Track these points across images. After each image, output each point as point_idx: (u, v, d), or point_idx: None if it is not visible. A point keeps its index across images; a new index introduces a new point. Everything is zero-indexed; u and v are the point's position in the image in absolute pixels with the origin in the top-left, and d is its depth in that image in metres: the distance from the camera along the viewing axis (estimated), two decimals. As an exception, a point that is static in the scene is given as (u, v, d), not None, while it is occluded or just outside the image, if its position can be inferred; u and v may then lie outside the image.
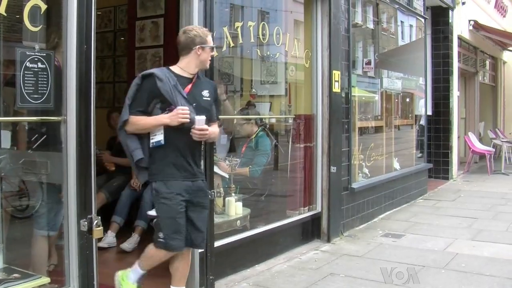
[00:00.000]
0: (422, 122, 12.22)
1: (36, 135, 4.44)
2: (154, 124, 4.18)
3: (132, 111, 4.18)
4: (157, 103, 4.20)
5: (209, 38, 4.40)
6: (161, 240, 4.19)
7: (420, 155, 11.82)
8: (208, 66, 4.49)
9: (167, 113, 4.16)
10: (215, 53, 4.57)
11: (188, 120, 4.14)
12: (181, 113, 4.11)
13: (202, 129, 4.21)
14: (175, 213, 4.19)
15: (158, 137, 4.19)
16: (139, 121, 4.18)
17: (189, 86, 4.31)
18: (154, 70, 4.25)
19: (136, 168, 4.35)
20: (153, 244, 4.28)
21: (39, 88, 3.69)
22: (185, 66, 4.36)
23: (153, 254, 4.32)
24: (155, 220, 4.27)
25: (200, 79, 4.45)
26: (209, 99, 4.44)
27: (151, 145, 4.23)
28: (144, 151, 4.26)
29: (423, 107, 12.12)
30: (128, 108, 4.20)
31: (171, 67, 4.39)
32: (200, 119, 4.21)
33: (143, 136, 4.27)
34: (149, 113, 4.22)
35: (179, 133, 4.18)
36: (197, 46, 4.30)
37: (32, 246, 4.38)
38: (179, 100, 4.19)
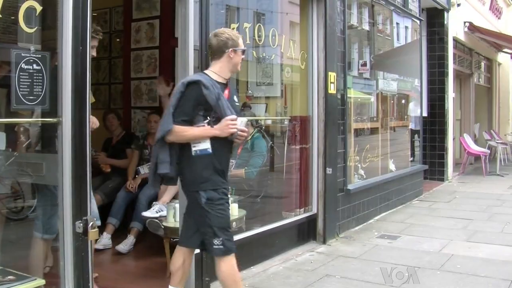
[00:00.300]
0: (412, 125, 12.07)
1: (31, 136, 4.44)
2: (203, 136, 4.11)
3: (176, 120, 4.06)
4: (200, 111, 4.11)
5: (241, 41, 4.33)
6: (218, 247, 4.14)
7: (411, 158, 11.79)
8: (239, 69, 4.42)
9: (211, 120, 4.11)
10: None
11: (236, 130, 4.13)
12: (231, 124, 4.10)
13: (244, 130, 4.22)
14: (228, 218, 4.23)
15: (204, 145, 4.11)
16: (185, 132, 4.09)
17: (226, 92, 4.25)
18: (199, 77, 4.14)
19: (153, 177, 4.25)
20: (217, 260, 4.21)
21: (35, 90, 3.68)
22: (219, 71, 4.27)
23: (230, 273, 4.23)
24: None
25: (229, 84, 4.40)
26: (238, 104, 4.44)
27: (193, 153, 4.12)
28: (172, 165, 4.16)
29: (414, 109, 12.06)
30: (171, 117, 4.08)
31: (206, 72, 4.29)
32: (243, 121, 4.22)
33: (173, 148, 4.16)
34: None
35: (224, 141, 4.17)
36: (230, 49, 4.23)
37: (31, 248, 4.37)
38: (225, 109, 4.13)
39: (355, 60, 9.44)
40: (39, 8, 3.69)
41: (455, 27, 13.89)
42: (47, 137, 4.34)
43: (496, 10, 18.43)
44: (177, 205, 5.44)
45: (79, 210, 3.76)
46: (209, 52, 4.40)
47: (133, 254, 6.44)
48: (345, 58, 7.86)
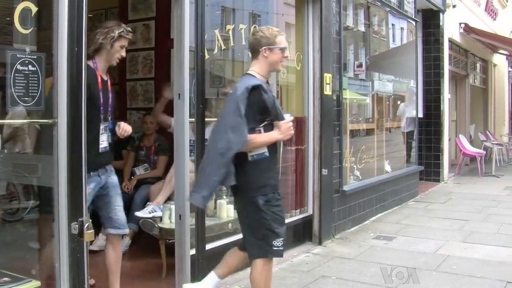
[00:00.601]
0: (403, 127, 11.87)
1: (27, 138, 4.43)
2: (269, 141, 4.10)
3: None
4: (258, 115, 4.07)
5: (279, 39, 4.21)
6: (278, 248, 4.14)
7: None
8: (280, 67, 4.32)
9: (266, 124, 4.09)
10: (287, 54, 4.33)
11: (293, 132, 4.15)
12: (290, 127, 4.11)
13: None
14: (284, 220, 4.22)
15: (261, 150, 4.08)
16: (255, 140, 4.02)
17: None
18: (258, 82, 4.07)
19: (214, 191, 4.20)
20: (262, 258, 4.18)
21: (30, 91, 3.67)
22: (260, 71, 4.21)
23: (266, 273, 4.21)
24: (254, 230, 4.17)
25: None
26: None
27: (250, 158, 4.06)
28: (235, 175, 4.07)
29: (404, 111, 12.01)
30: (246, 126, 3.95)
31: (251, 73, 4.21)
32: (291, 118, 4.23)
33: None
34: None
35: (275, 143, 4.18)
36: (263, 48, 4.16)
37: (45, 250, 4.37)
38: (281, 111, 4.14)
39: (351, 61, 9.45)
40: (34, 9, 3.68)
41: (451, 28, 13.91)
42: (43, 138, 4.34)
43: (491, 11, 18.47)
44: (173, 206, 5.44)
45: (75, 211, 3.74)
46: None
47: (128, 255, 6.42)
48: (340, 59, 7.86)
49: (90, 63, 4.38)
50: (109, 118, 4.52)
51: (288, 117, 4.21)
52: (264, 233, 4.13)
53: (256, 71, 4.21)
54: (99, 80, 4.40)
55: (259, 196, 4.07)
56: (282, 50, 4.22)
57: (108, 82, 4.56)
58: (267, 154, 4.09)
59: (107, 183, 4.53)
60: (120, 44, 4.47)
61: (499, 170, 15.43)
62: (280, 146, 7.37)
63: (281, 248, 4.15)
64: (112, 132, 4.58)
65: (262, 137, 4.07)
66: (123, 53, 4.54)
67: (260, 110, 4.04)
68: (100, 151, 4.39)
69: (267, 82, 4.27)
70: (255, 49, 4.22)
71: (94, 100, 4.31)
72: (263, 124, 4.08)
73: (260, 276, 4.18)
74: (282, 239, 4.14)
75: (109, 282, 4.64)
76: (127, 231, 4.73)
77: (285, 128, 4.10)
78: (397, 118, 11.64)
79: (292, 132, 4.16)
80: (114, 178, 4.63)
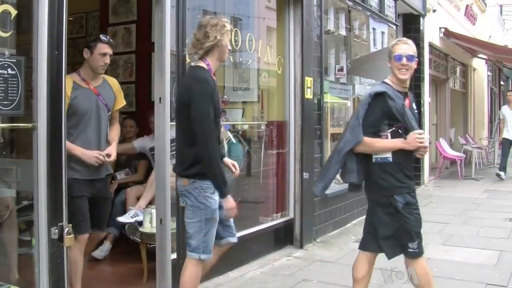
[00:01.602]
0: None
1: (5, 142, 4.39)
2: (390, 148, 4.22)
3: (366, 131, 4.23)
4: (385, 120, 4.23)
5: (394, 48, 4.34)
6: (415, 250, 4.34)
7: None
8: (399, 75, 4.31)
9: (394, 130, 4.22)
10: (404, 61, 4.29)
11: (423, 145, 4.23)
12: (419, 138, 4.19)
13: (427, 147, 4.32)
14: (421, 220, 4.39)
15: (385, 154, 4.23)
16: (375, 144, 4.24)
17: (407, 101, 4.33)
18: (383, 88, 4.25)
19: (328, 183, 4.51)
20: (410, 263, 4.43)
21: (9, 95, 3.64)
22: (391, 79, 4.36)
23: (423, 274, 4.42)
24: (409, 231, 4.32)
25: (409, 92, 4.49)
26: (416, 111, 4.51)
27: (374, 160, 4.26)
28: (359, 173, 4.34)
29: None
30: (361, 128, 4.23)
31: (387, 82, 4.36)
32: (427, 138, 4.40)
33: (359, 156, 4.32)
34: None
35: (405, 150, 4.26)
36: (388, 58, 4.36)
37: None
38: (410, 120, 4.24)
39: (332, 65, 9.48)
40: (14, 12, 3.65)
41: (431, 32, 14.01)
42: (22, 143, 4.30)
43: (471, 16, 18.62)
44: (154, 211, 5.42)
45: (55, 216, 3.72)
46: None
47: (109, 260, 6.39)
48: (321, 63, 7.89)
49: (203, 64, 4.17)
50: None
51: (423, 132, 4.36)
52: (402, 234, 4.33)
53: (393, 80, 4.35)
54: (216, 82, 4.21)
55: (395, 196, 4.23)
56: (396, 58, 4.30)
57: (215, 83, 4.31)
58: (390, 159, 4.23)
59: None
60: (229, 38, 4.28)
61: (478, 173, 15.53)
62: (261, 150, 7.40)
63: (417, 251, 4.34)
64: None
65: (382, 142, 4.24)
66: (229, 46, 4.31)
67: (386, 115, 4.21)
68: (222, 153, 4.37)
69: (406, 93, 4.39)
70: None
71: (217, 108, 4.14)
72: (390, 130, 4.23)
73: (417, 275, 4.38)
74: (416, 242, 4.32)
75: None
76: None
77: (412, 138, 4.20)
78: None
79: (420, 144, 4.22)
80: None
